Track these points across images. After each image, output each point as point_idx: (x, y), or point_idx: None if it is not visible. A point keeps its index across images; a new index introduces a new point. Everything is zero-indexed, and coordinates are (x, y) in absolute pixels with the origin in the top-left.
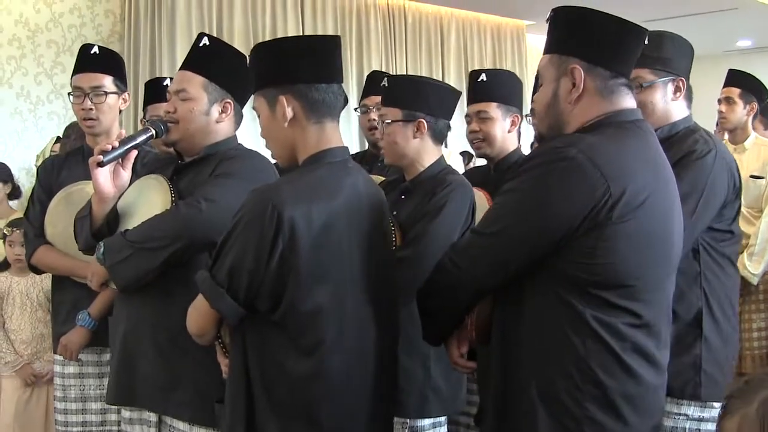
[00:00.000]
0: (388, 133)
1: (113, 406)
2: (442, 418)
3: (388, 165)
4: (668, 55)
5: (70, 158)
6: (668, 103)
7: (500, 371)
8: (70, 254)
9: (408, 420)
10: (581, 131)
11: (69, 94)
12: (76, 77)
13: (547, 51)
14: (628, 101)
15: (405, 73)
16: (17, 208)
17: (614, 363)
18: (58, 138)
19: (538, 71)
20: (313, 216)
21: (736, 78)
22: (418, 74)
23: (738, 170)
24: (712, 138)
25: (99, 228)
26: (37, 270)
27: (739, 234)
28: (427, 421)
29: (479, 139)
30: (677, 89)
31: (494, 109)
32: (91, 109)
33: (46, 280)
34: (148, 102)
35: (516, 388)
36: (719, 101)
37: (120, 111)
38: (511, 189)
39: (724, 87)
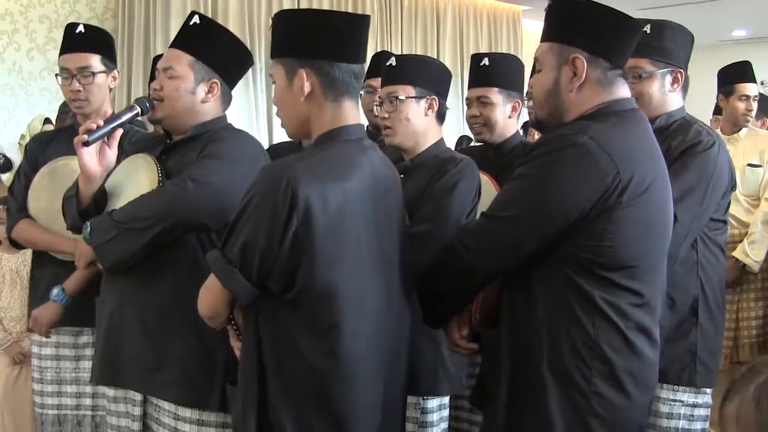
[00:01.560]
0: (401, 110)
1: (87, 390)
2: (447, 399)
3: (389, 146)
4: (669, 46)
5: (60, 135)
6: (665, 94)
7: (511, 352)
8: (51, 229)
9: (420, 400)
10: (582, 119)
11: (56, 75)
12: (63, 58)
13: (546, 39)
14: (624, 90)
15: None
16: (8, 182)
17: (620, 341)
18: (47, 119)
19: (536, 57)
20: (329, 196)
21: (753, 73)
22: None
23: (731, 162)
24: (713, 130)
25: (86, 207)
26: (17, 244)
27: (728, 222)
28: (435, 402)
29: (479, 123)
30: (675, 80)
31: (495, 95)
32: (79, 90)
33: (27, 257)
34: (152, 79)
35: (528, 368)
36: (745, 98)
37: (110, 89)
38: (523, 174)
39: (746, 83)
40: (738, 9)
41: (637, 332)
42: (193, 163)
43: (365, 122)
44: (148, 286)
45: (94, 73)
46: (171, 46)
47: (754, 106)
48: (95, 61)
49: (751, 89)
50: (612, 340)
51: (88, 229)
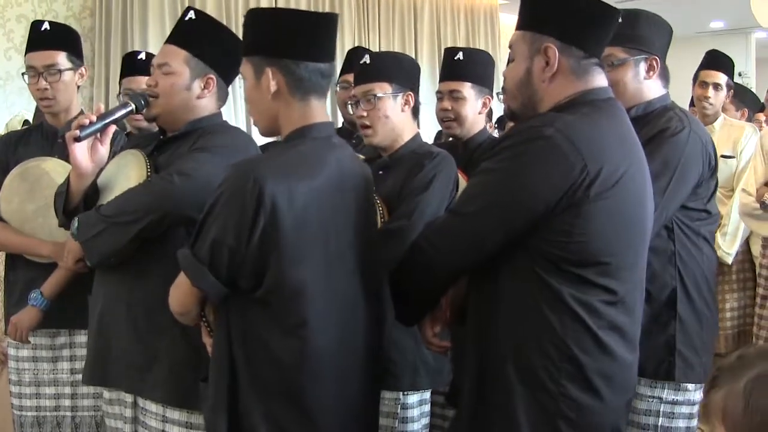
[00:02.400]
0: (379, 107)
1: (66, 391)
2: (428, 394)
3: (368, 145)
4: (642, 33)
5: (28, 134)
6: (641, 82)
7: (477, 350)
8: (24, 232)
9: (400, 395)
10: (555, 110)
11: (23, 74)
12: (29, 56)
13: (519, 27)
14: (600, 80)
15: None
16: None
17: (590, 340)
18: (26, 121)
19: (510, 46)
20: (295, 193)
21: (723, 62)
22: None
23: (714, 148)
24: (687, 116)
25: (76, 204)
26: None
27: (716, 213)
28: (415, 397)
29: (450, 118)
30: (651, 68)
31: (468, 89)
32: (46, 88)
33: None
34: (123, 75)
35: (493, 367)
36: (704, 84)
37: (78, 87)
38: (488, 169)
39: (708, 70)
40: (715, 1)
41: (610, 331)
42: (182, 157)
43: (341, 118)
44: (138, 283)
45: (60, 71)
46: (166, 42)
47: (712, 93)
48: (62, 59)
49: (709, 75)
50: (581, 339)
51: (76, 224)
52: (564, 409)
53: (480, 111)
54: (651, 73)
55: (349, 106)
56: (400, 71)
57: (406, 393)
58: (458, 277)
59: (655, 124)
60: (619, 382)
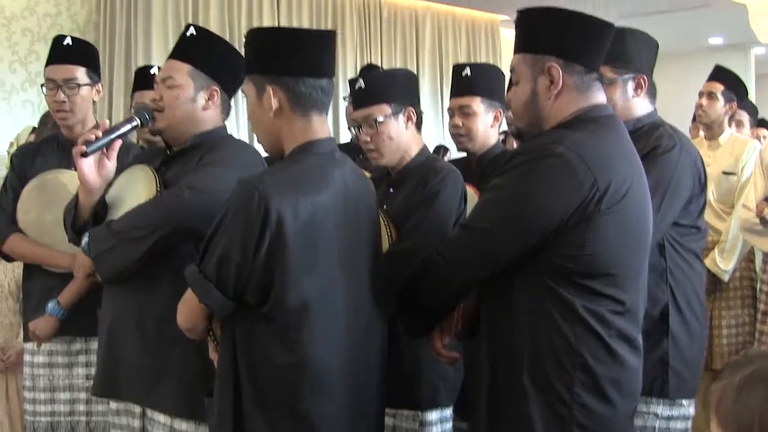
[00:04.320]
0: (381, 131)
1: (81, 396)
2: (448, 411)
3: (377, 166)
4: (629, 52)
5: (44, 146)
6: (629, 100)
7: (491, 362)
8: (42, 242)
9: (419, 413)
10: (561, 126)
11: (42, 85)
12: (50, 68)
13: (519, 50)
14: (600, 96)
15: (381, 67)
16: None
17: (602, 349)
18: (34, 128)
19: (511, 69)
20: (300, 208)
21: (721, 74)
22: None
23: (703, 164)
24: (677, 132)
25: (86, 220)
26: (8, 258)
27: (705, 229)
28: (435, 415)
29: (461, 134)
30: (638, 86)
31: (478, 104)
32: (63, 101)
33: (17, 269)
34: (135, 89)
35: (508, 377)
36: (700, 94)
37: (94, 102)
38: (501, 185)
39: (708, 81)
40: (714, 16)
41: (619, 340)
42: (191, 171)
43: (347, 133)
44: (148, 296)
45: (79, 85)
46: (169, 58)
47: (705, 101)
48: (81, 74)
49: (705, 86)
50: (593, 348)
51: (86, 239)
52: (578, 416)
53: (492, 125)
54: (639, 91)
55: (352, 130)
56: (396, 89)
57: (425, 410)
58: (471, 290)
59: (646, 142)
60: (628, 388)
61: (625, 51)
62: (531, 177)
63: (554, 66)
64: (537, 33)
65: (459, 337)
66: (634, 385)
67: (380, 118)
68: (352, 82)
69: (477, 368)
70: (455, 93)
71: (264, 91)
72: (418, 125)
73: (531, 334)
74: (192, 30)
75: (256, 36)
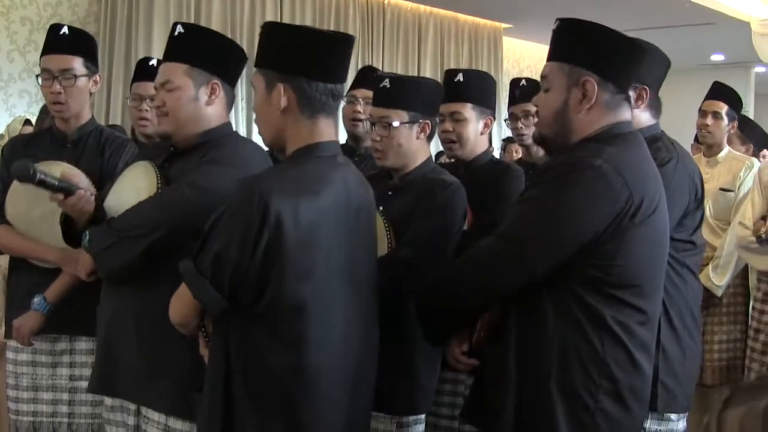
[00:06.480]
0: (393, 135)
1: (64, 397)
2: (423, 416)
3: (380, 167)
4: None
5: (37, 138)
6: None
7: (518, 370)
8: (30, 235)
9: (396, 417)
10: (587, 140)
11: (37, 76)
12: (45, 59)
13: (556, 58)
14: (626, 113)
15: (382, 70)
16: None
17: (626, 359)
18: (27, 120)
19: (543, 76)
20: (300, 210)
21: (723, 92)
22: (394, 71)
23: (701, 179)
24: (676, 146)
25: (83, 227)
26: None
27: (701, 245)
28: (412, 418)
29: (451, 139)
30: (639, 97)
31: (469, 110)
32: (60, 92)
33: (3, 262)
34: (134, 80)
35: (535, 385)
36: (703, 113)
37: (91, 93)
38: (537, 196)
39: (709, 100)
40: (716, 34)
41: (641, 349)
42: (193, 169)
43: (344, 132)
44: (146, 294)
45: (76, 76)
46: (163, 61)
47: (711, 121)
48: (78, 64)
49: (709, 105)
50: (619, 357)
51: (87, 237)
52: (599, 422)
53: (482, 132)
54: (639, 102)
55: (361, 125)
56: (419, 99)
57: (402, 416)
58: (502, 299)
59: None
60: (643, 396)
61: None
62: (569, 189)
63: (590, 81)
64: (578, 45)
65: (478, 346)
66: (647, 394)
67: (395, 124)
68: (373, 77)
69: (501, 376)
70: (446, 98)
71: (274, 88)
72: (430, 137)
73: (560, 342)
74: (180, 28)
75: (274, 30)
